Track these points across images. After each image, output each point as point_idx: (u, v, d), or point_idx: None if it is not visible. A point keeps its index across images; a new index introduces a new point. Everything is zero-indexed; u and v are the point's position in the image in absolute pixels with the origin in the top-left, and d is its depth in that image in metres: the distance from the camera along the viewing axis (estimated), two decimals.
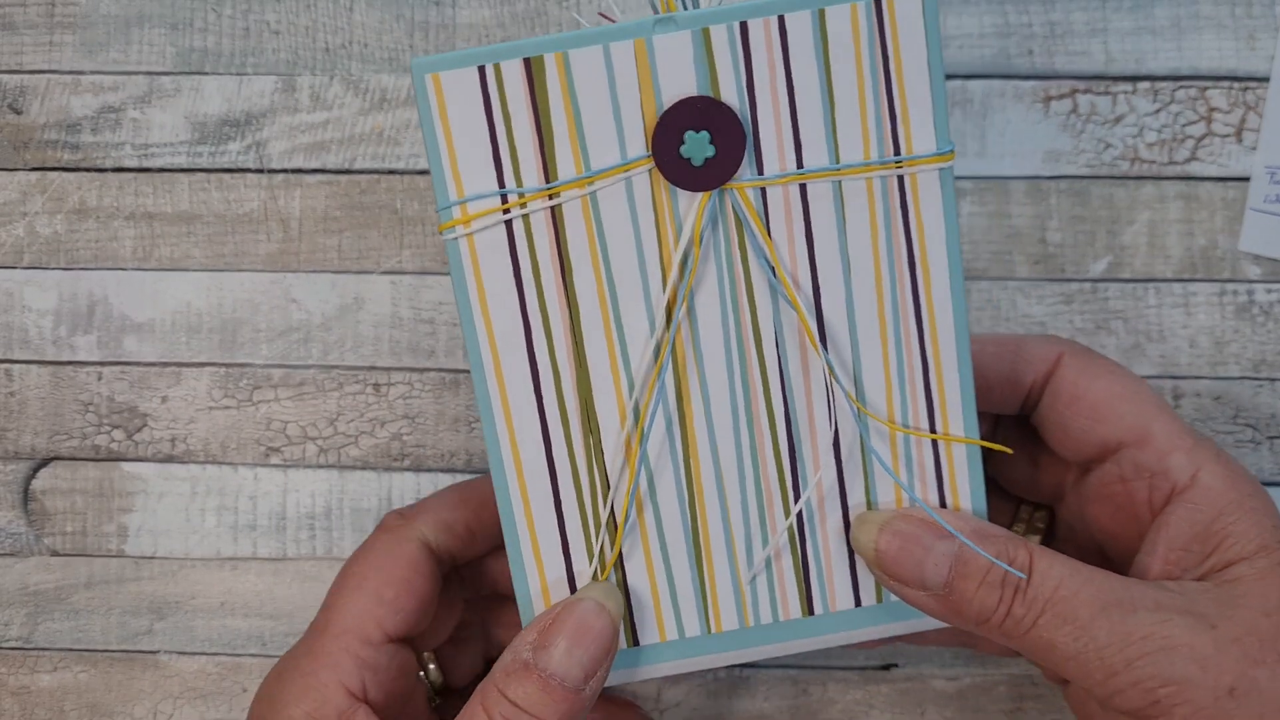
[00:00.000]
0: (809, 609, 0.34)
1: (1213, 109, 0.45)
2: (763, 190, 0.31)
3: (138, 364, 0.45)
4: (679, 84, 0.31)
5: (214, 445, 0.45)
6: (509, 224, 0.31)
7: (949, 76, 0.45)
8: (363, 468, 0.45)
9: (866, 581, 0.34)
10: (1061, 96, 0.45)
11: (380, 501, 0.45)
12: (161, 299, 0.46)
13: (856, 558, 0.34)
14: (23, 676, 0.45)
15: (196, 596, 0.45)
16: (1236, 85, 0.45)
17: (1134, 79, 0.45)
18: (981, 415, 0.36)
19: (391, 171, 0.46)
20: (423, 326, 0.45)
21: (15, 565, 0.45)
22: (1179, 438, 0.34)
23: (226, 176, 0.46)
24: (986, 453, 0.37)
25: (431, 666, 0.39)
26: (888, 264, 0.32)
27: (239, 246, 0.46)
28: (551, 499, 0.33)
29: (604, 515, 0.33)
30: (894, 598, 0.34)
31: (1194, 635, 0.30)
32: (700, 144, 0.31)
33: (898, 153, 0.31)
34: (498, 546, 0.38)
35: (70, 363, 0.46)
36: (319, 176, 0.46)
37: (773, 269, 0.32)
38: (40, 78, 0.47)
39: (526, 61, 0.30)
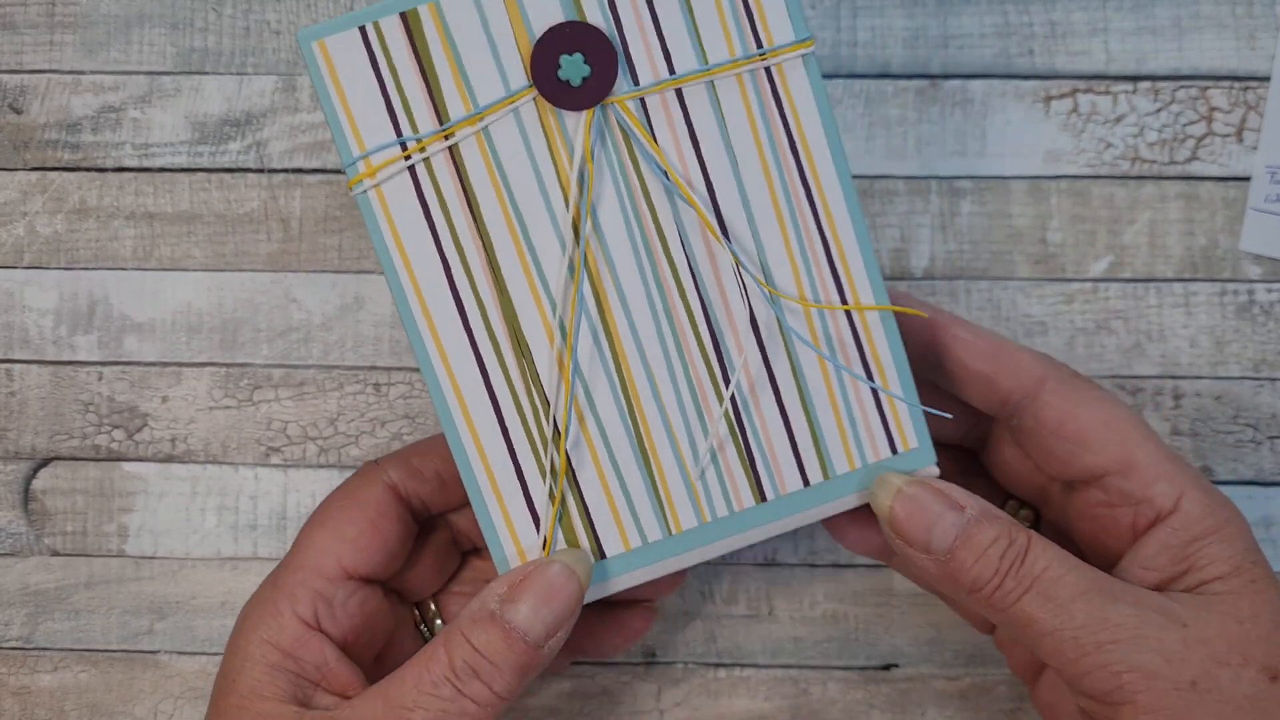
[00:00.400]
0: (760, 495, 0.35)
1: (1213, 109, 0.45)
2: (642, 102, 0.33)
3: (138, 364, 0.45)
4: (546, 15, 0.33)
5: (214, 445, 0.45)
6: (412, 170, 0.33)
7: (949, 76, 0.45)
8: None
9: (811, 460, 0.35)
10: (1062, 96, 0.45)
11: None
12: (162, 299, 0.46)
13: (797, 437, 0.35)
14: (23, 676, 0.45)
15: (197, 596, 0.45)
16: (1237, 85, 0.45)
17: (1134, 79, 0.45)
18: (964, 406, 0.38)
19: None
20: None
21: (15, 565, 0.45)
22: (1163, 465, 0.35)
23: (227, 176, 0.46)
24: (977, 443, 0.40)
25: (437, 619, 0.40)
26: (771, 152, 0.34)
27: (239, 246, 0.46)
28: (498, 426, 0.34)
29: (549, 431, 0.34)
30: (840, 473, 0.35)
31: (1165, 631, 0.32)
32: (575, 65, 0.32)
33: (760, 47, 0.34)
34: None
35: (71, 362, 0.46)
36: (319, 176, 0.46)
37: (664, 172, 0.33)
38: (41, 77, 0.47)
39: (403, 15, 0.32)
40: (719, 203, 0.34)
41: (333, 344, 0.45)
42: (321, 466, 0.45)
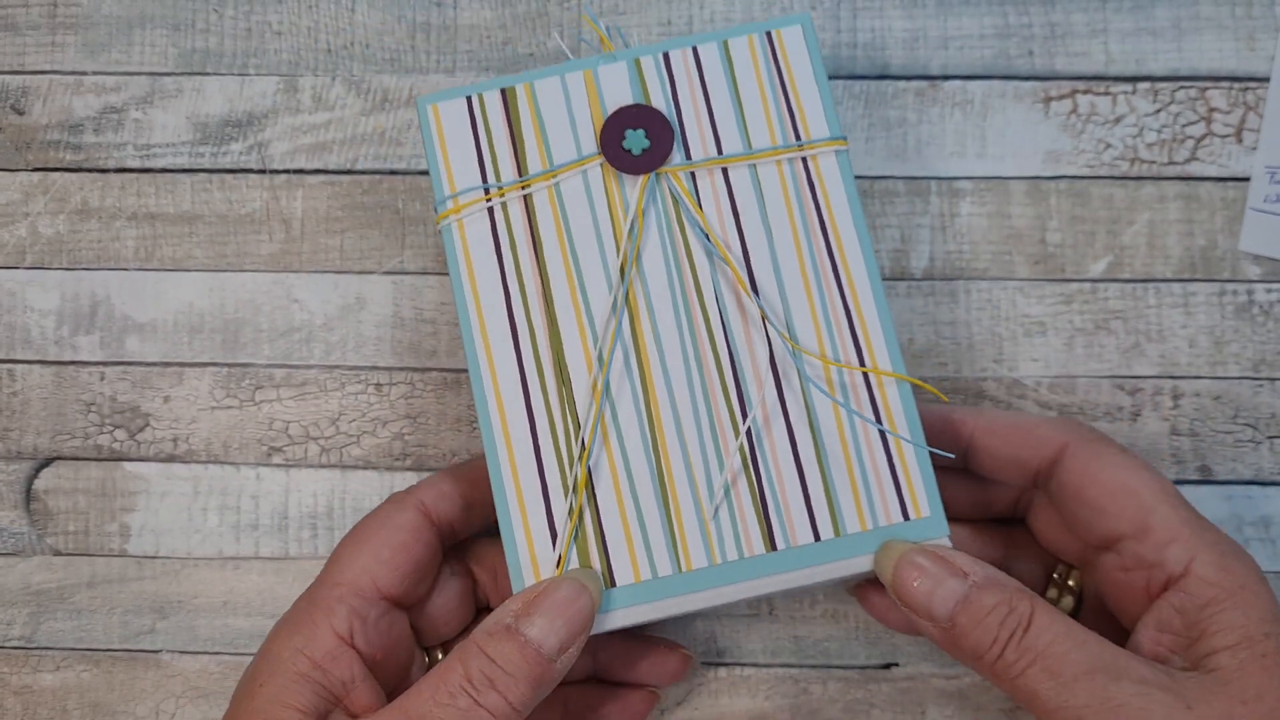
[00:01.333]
0: (771, 543, 0.37)
1: (1213, 109, 0.45)
2: (692, 174, 0.39)
3: (140, 364, 0.46)
4: (618, 97, 0.39)
5: (216, 445, 0.45)
6: (490, 211, 0.39)
7: (948, 77, 0.45)
8: (364, 467, 0.45)
9: (823, 514, 0.37)
10: (1061, 97, 0.45)
11: (382, 501, 0.45)
12: (164, 299, 0.46)
13: (810, 489, 0.37)
14: (25, 676, 0.45)
15: (198, 596, 0.45)
16: (1236, 86, 0.45)
17: (1134, 79, 0.45)
18: (1001, 485, 0.40)
19: (393, 172, 0.46)
20: (424, 326, 0.45)
21: (18, 565, 0.45)
22: (1178, 528, 0.35)
23: (229, 177, 0.46)
24: (1025, 511, 0.42)
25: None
26: (803, 229, 0.38)
27: (241, 247, 0.46)
28: (531, 442, 0.37)
29: (577, 452, 0.37)
30: (851, 531, 0.37)
31: (1170, 712, 0.32)
32: (638, 138, 0.39)
33: (798, 139, 0.39)
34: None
35: (73, 363, 0.46)
36: (321, 177, 0.46)
37: (706, 234, 0.38)
38: (42, 78, 0.47)
39: (503, 91, 0.39)
40: (753, 268, 0.38)
41: (334, 344, 0.45)
42: (323, 466, 0.45)
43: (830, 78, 0.45)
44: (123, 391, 0.45)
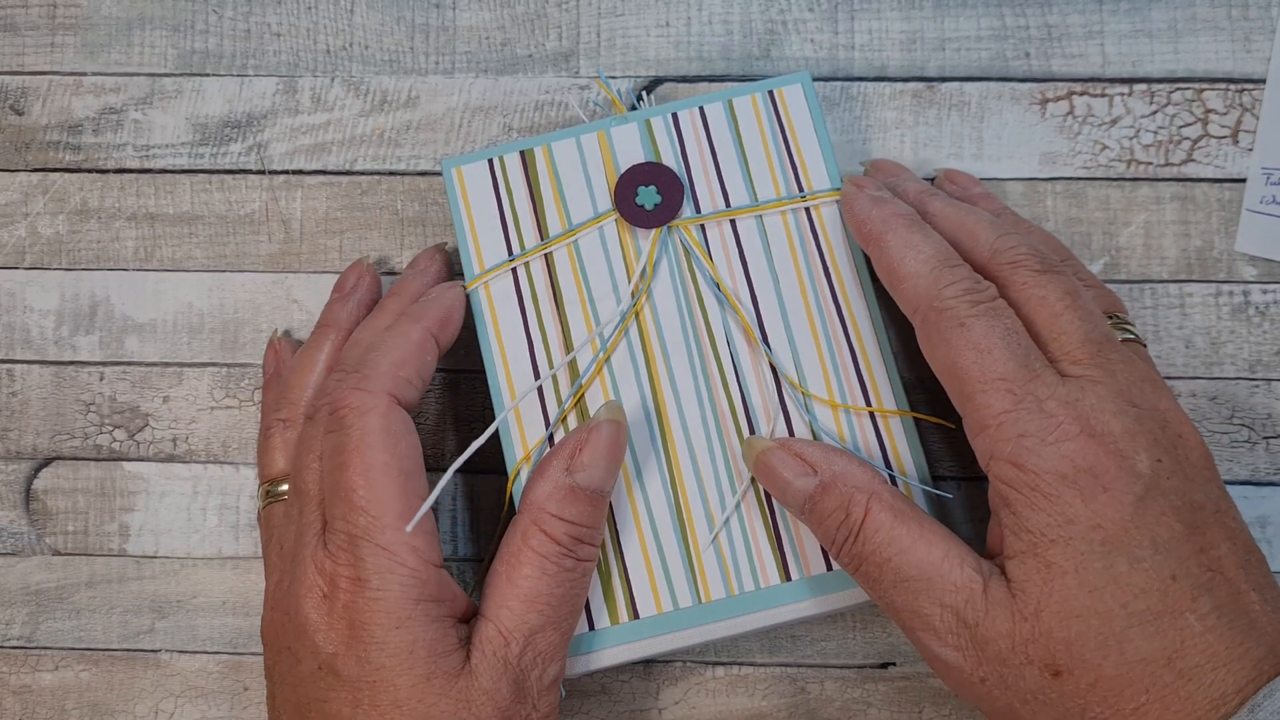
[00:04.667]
0: (786, 574, 0.39)
1: (1209, 111, 0.45)
2: (702, 227, 0.41)
3: (139, 364, 0.46)
4: (631, 156, 0.42)
5: (215, 445, 0.45)
6: (514, 271, 0.41)
7: (945, 79, 0.46)
8: None
9: None
10: (1058, 99, 0.45)
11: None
12: (163, 299, 0.46)
13: None
14: (24, 675, 0.45)
15: (198, 595, 0.45)
16: (1233, 87, 0.45)
17: (1130, 81, 0.45)
18: None
19: (392, 173, 0.46)
20: None
21: (17, 564, 0.45)
22: (989, 418, 0.34)
23: (228, 178, 0.46)
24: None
25: None
26: (808, 275, 0.41)
27: (240, 247, 0.46)
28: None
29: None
30: None
31: (959, 627, 0.34)
32: (650, 194, 0.41)
33: (801, 190, 0.41)
34: None
35: (72, 363, 0.46)
36: (320, 178, 0.46)
37: (715, 283, 0.41)
38: (42, 79, 0.47)
39: (522, 154, 0.42)
40: (761, 313, 0.41)
41: None
42: None
43: (827, 79, 0.45)
44: (122, 391, 0.46)
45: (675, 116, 0.42)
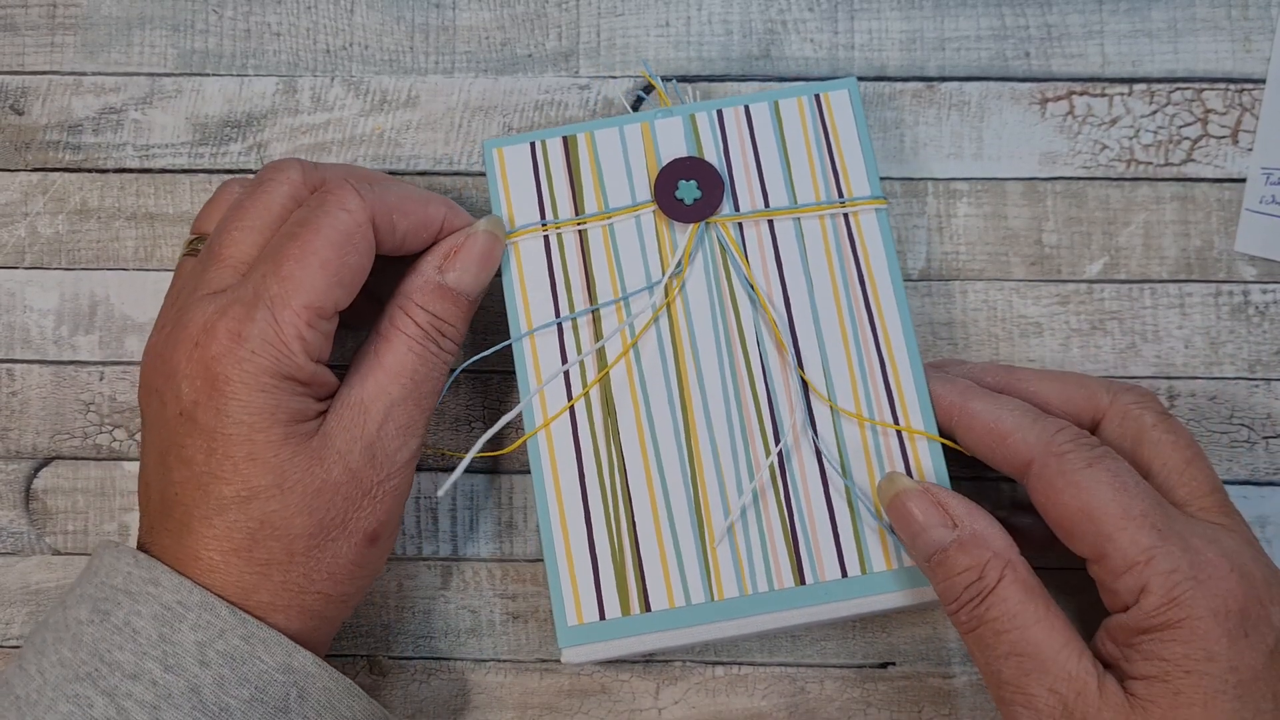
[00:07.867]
0: (800, 578, 0.39)
1: (1209, 110, 0.45)
2: (740, 225, 0.41)
3: (139, 364, 0.46)
4: (673, 149, 0.42)
5: None
6: (546, 238, 0.41)
7: (945, 78, 0.46)
8: None
9: (851, 552, 0.39)
10: (1058, 99, 0.45)
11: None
12: (163, 299, 0.46)
13: (840, 528, 0.39)
14: None
15: None
16: (1232, 87, 0.45)
17: (1130, 81, 0.45)
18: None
19: (393, 173, 0.46)
20: None
21: (17, 564, 0.45)
22: (1134, 556, 0.34)
23: (228, 177, 0.46)
24: None
25: None
26: (843, 281, 0.41)
27: None
28: (576, 470, 0.40)
29: (619, 485, 0.40)
30: (876, 569, 0.39)
31: None
32: (689, 189, 0.41)
33: (841, 196, 0.41)
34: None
35: (72, 362, 0.46)
36: None
37: (750, 283, 0.41)
38: (42, 79, 0.47)
39: (565, 139, 0.42)
40: (793, 315, 0.41)
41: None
42: None
43: (827, 79, 0.45)
44: (122, 391, 0.46)
45: (720, 114, 0.42)
